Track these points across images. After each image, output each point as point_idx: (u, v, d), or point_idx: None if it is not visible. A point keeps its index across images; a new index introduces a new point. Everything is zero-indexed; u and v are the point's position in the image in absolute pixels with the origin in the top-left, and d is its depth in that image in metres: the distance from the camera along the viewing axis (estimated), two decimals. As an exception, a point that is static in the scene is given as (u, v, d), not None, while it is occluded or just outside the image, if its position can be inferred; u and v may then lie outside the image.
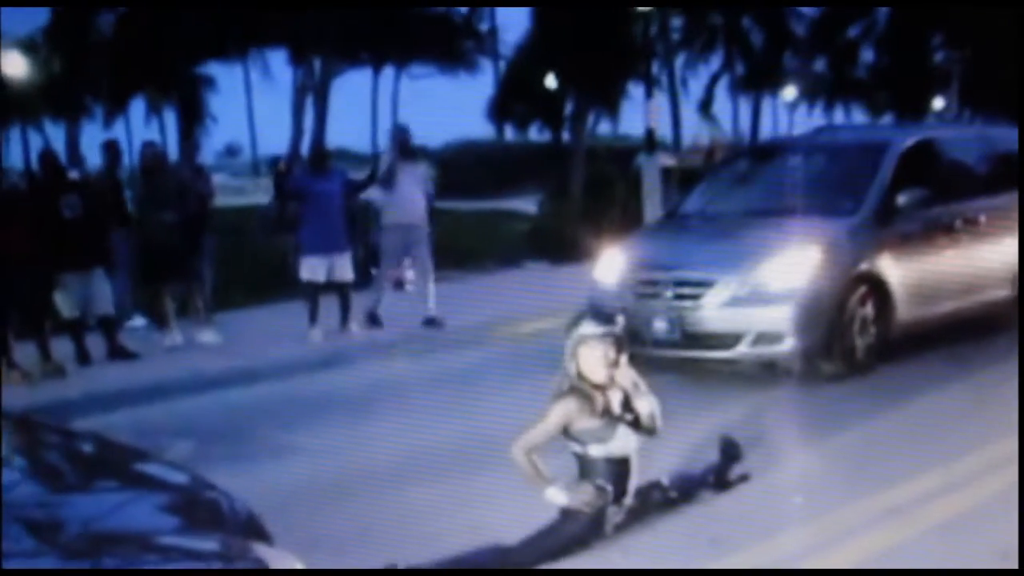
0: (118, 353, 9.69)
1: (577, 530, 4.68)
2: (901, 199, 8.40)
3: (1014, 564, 4.16)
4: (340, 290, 10.39)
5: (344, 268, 10.32)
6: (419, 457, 5.69)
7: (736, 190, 9.70)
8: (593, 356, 4.73)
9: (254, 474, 5.06)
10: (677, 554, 4.58)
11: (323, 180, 10.44)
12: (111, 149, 11.34)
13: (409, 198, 10.57)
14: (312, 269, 10.25)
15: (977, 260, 8.69)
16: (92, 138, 40.59)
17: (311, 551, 4.63)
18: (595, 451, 4.74)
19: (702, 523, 4.96)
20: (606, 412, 4.77)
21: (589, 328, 4.76)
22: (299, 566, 2.56)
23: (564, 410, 4.73)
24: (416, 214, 10.64)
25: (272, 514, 3.08)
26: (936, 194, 8.63)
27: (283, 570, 3.57)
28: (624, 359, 4.79)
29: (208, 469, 5.28)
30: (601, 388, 4.78)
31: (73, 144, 35.10)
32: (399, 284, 12.07)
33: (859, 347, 7.94)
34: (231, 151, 55.75)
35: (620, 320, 4.85)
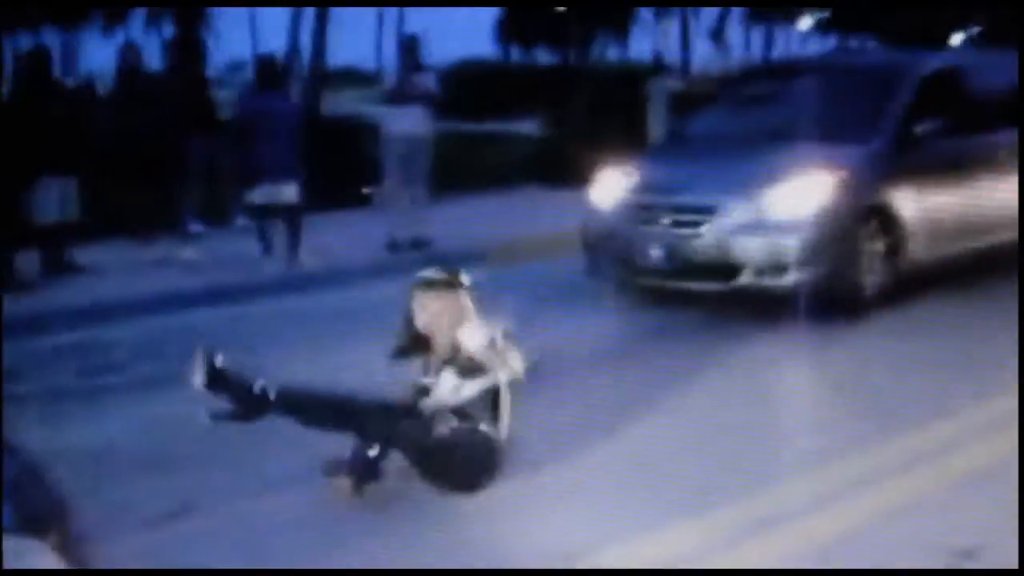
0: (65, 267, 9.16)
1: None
2: (919, 128, 7.89)
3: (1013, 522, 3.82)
4: (287, 215, 9.43)
5: (290, 192, 9.40)
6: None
7: (745, 112, 9.21)
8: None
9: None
10: (668, 505, 4.20)
11: (272, 99, 9.71)
12: (192, 46, 11.05)
13: (413, 108, 10.14)
14: (255, 195, 9.52)
15: (996, 198, 8.19)
16: (91, 48, 40.10)
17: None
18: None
19: (696, 470, 4.59)
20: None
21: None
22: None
23: None
24: (419, 125, 10.21)
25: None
26: (957, 124, 8.11)
27: (290, 570, 3.68)
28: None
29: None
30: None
31: (70, 53, 34.65)
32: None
33: (868, 284, 7.48)
34: (234, 67, 55.25)
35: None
